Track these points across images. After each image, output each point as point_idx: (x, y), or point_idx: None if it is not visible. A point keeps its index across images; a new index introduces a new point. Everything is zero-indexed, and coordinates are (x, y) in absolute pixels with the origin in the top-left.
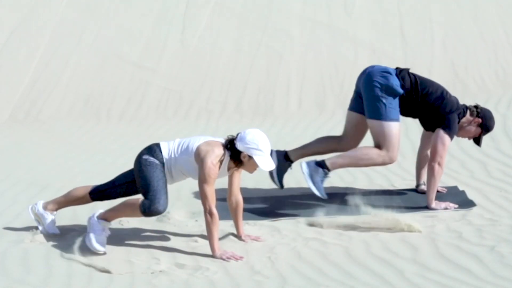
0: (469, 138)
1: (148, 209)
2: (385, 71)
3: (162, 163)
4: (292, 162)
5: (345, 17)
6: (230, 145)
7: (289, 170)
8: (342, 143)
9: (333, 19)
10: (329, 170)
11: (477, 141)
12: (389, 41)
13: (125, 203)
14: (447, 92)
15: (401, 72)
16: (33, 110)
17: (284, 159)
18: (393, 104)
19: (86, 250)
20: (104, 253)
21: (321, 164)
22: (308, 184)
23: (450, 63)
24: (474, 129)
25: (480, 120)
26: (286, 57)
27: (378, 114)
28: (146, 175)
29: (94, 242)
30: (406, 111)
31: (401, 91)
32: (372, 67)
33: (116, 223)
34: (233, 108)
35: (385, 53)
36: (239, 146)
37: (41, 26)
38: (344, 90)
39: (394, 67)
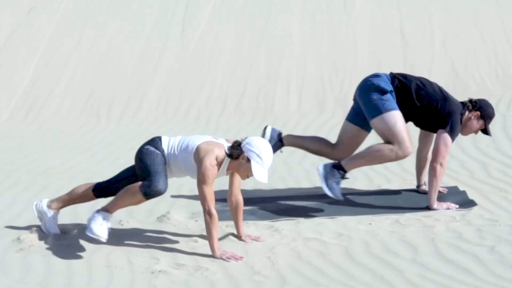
0: (476, 133)
1: (148, 188)
2: (374, 74)
3: (163, 155)
4: (283, 145)
5: (345, 17)
6: (235, 145)
7: (278, 152)
8: (334, 151)
9: (333, 19)
10: (345, 171)
11: (485, 132)
12: (389, 41)
13: (124, 189)
14: (446, 92)
15: (394, 77)
16: (33, 110)
17: (277, 138)
18: (386, 97)
19: (86, 250)
20: (105, 241)
21: (337, 166)
22: (322, 186)
23: (450, 63)
24: (476, 123)
25: (479, 112)
26: (286, 57)
27: (375, 110)
28: (146, 162)
29: (96, 229)
30: (405, 117)
31: (389, 87)
32: (366, 77)
33: (116, 223)
34: (233, 108)
35: (385, 53)
36: (243, 146)
37: (41, 26)
38: (344, 90)
39: (391, 73)
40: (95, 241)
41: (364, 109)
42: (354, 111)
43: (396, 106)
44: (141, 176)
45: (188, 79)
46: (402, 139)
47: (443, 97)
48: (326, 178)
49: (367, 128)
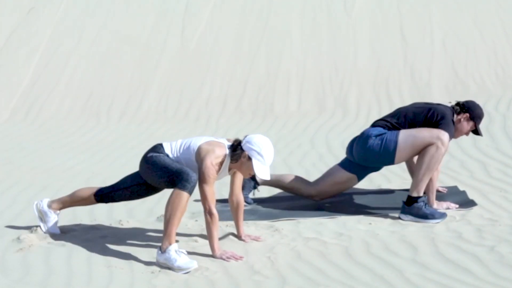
0: (467, 134)
1: (188, 184)
2: (358, 137)
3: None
4: (258, 184)
5: (345, 17)
6: (235, 144)
7: (254, 191)
8: (309, 188)
9: (333, 19)
10: (420, 196)
11: (476, 132)
12: (389, 41)
13: (166, 210)
14: (426, 102)
15: (379, 123)
16: (33, 110)
17: (250, 179)
18: (385, 134)
19: (86, 250)
20: (195, 267)
21: (412, 201)
22: (427, 222)
23: (450, 63)
24: (466, 125)
25: (467, 114)
26: (286, 57)
27: (389, 151)
28: (159, 167)
29: (182, 263)
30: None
31: (383, 131)
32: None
33: (116, 223)
34: (233, 108)
35: (385, 53)
36: (244, 145)
37: (41, 26)
38: (344, 90)
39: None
40: (95, 241)
41: (378, 162)
42: (349, 160)
43: (396, 132)
44: (164, 180)
45: (188, 79)
46: (431, 135)
47: (428, 108)
48: (418, 216)
49: (360, 177)
